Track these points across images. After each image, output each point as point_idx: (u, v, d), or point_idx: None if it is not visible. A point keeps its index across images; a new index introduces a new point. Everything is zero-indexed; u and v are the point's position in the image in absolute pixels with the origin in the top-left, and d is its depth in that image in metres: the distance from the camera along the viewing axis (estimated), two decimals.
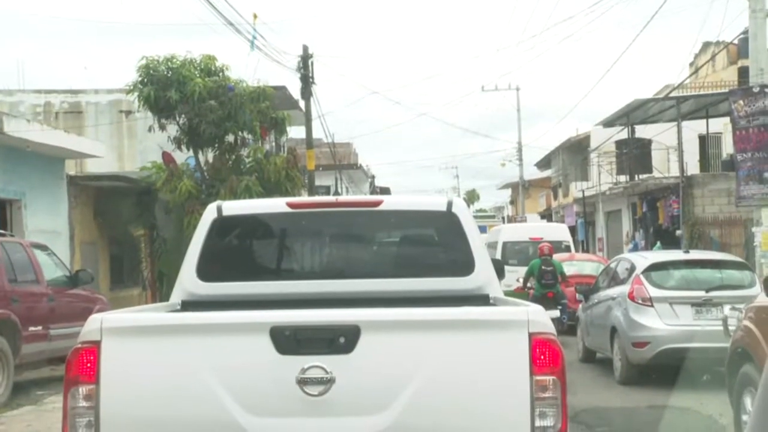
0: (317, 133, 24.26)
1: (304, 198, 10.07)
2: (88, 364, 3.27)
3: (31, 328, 9.85)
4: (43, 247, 11.14)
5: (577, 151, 36.67)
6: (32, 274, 10.26)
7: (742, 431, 5.83)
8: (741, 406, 5.78)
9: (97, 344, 3.27)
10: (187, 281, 4.61)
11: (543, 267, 13.76)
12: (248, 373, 3.26)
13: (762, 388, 1.54)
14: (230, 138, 16.31)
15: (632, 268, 10.46)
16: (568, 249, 20.26)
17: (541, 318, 3.35)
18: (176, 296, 4.65)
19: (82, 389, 3.26)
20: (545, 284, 13.63)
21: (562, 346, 3.34)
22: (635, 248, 24.23)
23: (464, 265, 4.60)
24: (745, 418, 5.76)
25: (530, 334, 3.26)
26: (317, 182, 24.09)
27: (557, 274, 13.88)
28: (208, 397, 3.21)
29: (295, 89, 21.84)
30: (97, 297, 11.87)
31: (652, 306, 9.70)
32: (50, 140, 14.73)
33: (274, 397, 3.23)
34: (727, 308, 7.93)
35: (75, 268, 13.48)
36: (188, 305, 4.53)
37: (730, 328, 6.62)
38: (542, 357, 3.25)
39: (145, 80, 15.55)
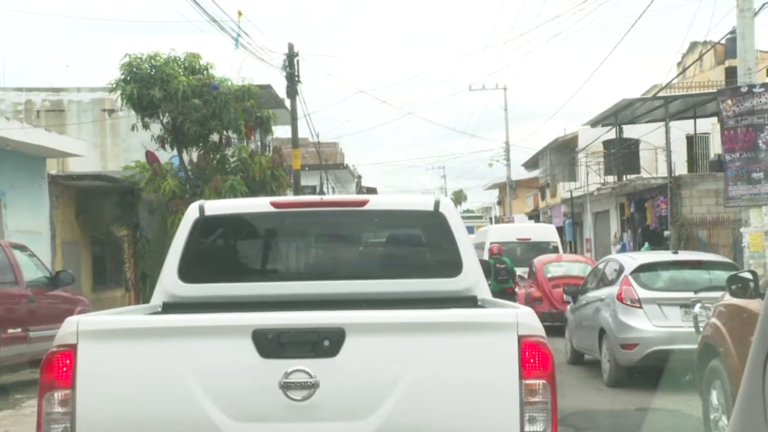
0: (303, 132, 24.17)
1: (289, 197, 9.94)
2: (64, 369, 3.18)
3: (10, 330, 9.68)
4: (22, 248, 10.97)
5: (564, 151, 36.73)
6: (11, 275, 10.08)
7: (710, 424, 6.00)
8: (709, 399, 5.98)
9: (73, 348, 3.19)
10: (169, 282, 4.53)
11: (497, 265, 14.28)
12: (230, 377, 3.19)
13: (747, 370, 1.48)
14: (215, 137, 16.21)
15: (621, 269, 10.41)
16: (555, 250, 20.25)
17: (531, 320, 3.28)
18: (157, 298, 4.59)
19: (58, 394, 3.18)
20: (501, 280, 14.29)
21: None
22: (623, 249, 24.25)
23: (452, 265, 4.54)
24: (714, 415, 5.94)
25: (519, 337, 3.20)
26: (303, 182, 23.98)
27: (509, 271, 14.74)
28: (189, 402, 3.14)
29: (280, 88, 21.78)
30: (78, 298, 11.69)
31: (640, 307, 9.65)
32: (31, 139, 14.56)
33: (257, 402, 3.16)
34: (697, 306, 8.05)
35: (56, 269, 13.31)
36: (169, 307, 4.45)
37: (700, 325, 6.88)
38: (532, 360, 3.19)
39: (128, 78, 15.40)
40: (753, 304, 5.46)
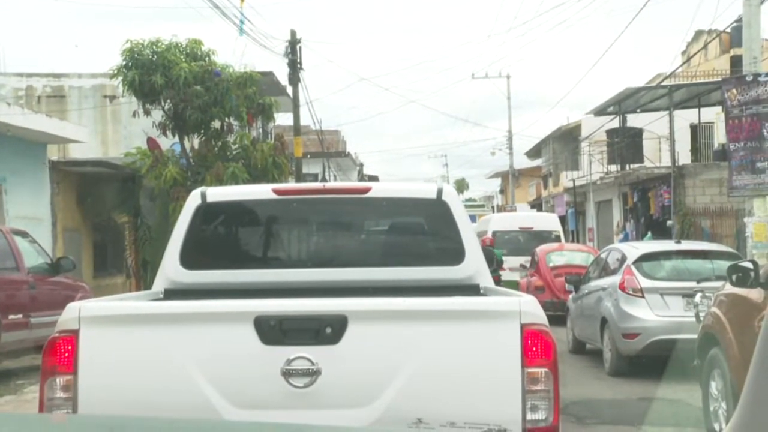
0: (305, 119, 24.10)
1: (291, 184, 9.92)
2: (66, 354, 3.19)
3: (12, 316, 9.69)
4: (23, 234, 10.96)
5: (567, 140, 36.65)
6: (12, 262, 10.08)
7: (709, 412, 6.05)
8: (708, 388, 6.04)
9: (75, 333, 3.20)
10: (170, 269, 4.53)
11: None
12: (232, 364, 3.19)
13: (756, 356, 1.48)
14: (216, 124, 16.14)
15: (623, 259, 10.39)
16: (558, 239, 20.22)
17: (534, 308, 3.27)
18: (159, 284, 4.58)
19: (60, 380, 3.19)
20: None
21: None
22: (626, 238, 24.22)
23: (454, 254, 4.52)
24: (713, 404, 5.98)
25: (522, 325, 3.19)
26: (305, 170, 23.95)
27: (497, 261, 14.71)
28: (190, 389, 3.14)
29: (282, 75, 21.71)
30: (79, 285, 11.70)
31: (642, 297, 9.63)
32: (32, 124, 14.52)
33: (259, 389, 3.16)
34: (698, 296, 8.06)
35: (57, 256, 13.30)
36: (171, 294, 4.45)
37: (701, 315, 6.97)
38: (534, 348, 3.18)
39: (130, 64, 15.32)
40: (753, 294, 5.47)
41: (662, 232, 21.67)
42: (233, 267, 4.57)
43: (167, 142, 16.42)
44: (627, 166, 25.78)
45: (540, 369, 3.16)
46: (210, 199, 4.64)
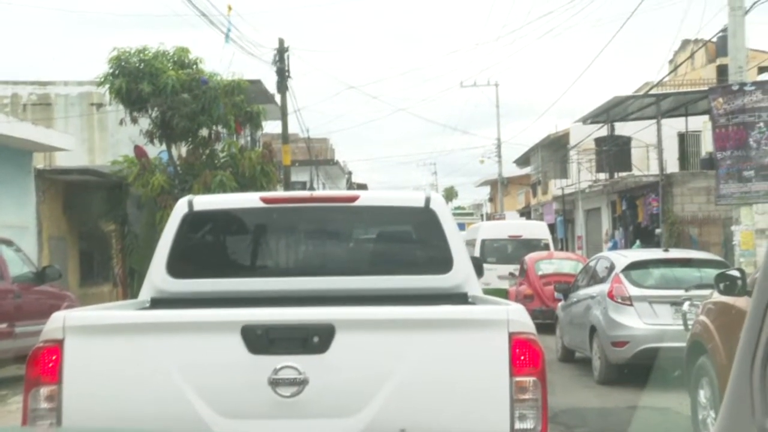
0: (293, 127, 24.12)
1: (279, 193, 9.91)
2: (50, 364, 3.15)
3: None
4: (8, 243, 10.88)
5: (556, 148, 36.75)
6: None
7: (698, 420, 6.07)
8: (697, 396, 6.07)
9: (59, 343, 3.16)
10: (157, 278, 4.50)
11: None
12: (218, 374, 3.16)
13: (735, 365, 1.48)
14: (204, 132, 16.09)
15: (612, 267, 10.42)
16: (546, 247, 20.22)
17: (522, 317, 3.27)
18: (145, 293, 4.56)
19: (44, 390, 3.15)
20: None
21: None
22: (615, 247, 24.30)
23: (442, 262, 4.52)
24: (702, 413, 6.01)
25: (510, 334, 3.19)
26: (293, 178, 23.92)
27: None
28: (177, 399, 3.11)
29: (270, 83, 21.70)
30: (65, 294, 11.62)
31: (631, 305, 9.65)
32: (17, 132, 14.44)
33: (245, 398, 3.14)
34: (686, 304, 8.12)
35: (43, 264, 13.21)
36: (158, 303, 4.43)
37: (689, 323, 6.97)
38: (522, 357, 3.18)
39: (117, 72, 15.25)
40: (741, 302, 5.49)
41: (650, 240, 21.75)
42: (220, 276, 4.56)
43: (154, 150, 16.35)
44: (615, 174, 25.88)
45: (528, 378, 3.16)
46: (197, 207, 4.63)
